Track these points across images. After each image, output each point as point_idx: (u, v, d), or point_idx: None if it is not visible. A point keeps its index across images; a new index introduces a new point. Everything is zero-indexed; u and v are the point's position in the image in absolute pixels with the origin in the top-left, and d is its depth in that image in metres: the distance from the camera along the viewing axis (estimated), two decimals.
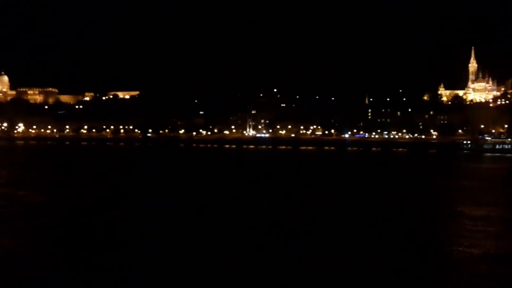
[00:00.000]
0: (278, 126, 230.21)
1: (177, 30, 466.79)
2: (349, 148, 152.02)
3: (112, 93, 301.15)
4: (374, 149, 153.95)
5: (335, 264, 17.85)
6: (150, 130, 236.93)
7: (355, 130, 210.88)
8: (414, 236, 23.99)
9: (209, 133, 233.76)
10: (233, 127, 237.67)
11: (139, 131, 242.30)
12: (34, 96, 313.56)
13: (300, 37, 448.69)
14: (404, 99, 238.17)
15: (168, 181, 49.08)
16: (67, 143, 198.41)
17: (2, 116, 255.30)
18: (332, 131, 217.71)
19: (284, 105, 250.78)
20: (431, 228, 26.47)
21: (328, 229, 23.82)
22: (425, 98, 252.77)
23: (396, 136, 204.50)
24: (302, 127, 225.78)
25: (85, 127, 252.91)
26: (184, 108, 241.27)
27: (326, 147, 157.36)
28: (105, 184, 45.60)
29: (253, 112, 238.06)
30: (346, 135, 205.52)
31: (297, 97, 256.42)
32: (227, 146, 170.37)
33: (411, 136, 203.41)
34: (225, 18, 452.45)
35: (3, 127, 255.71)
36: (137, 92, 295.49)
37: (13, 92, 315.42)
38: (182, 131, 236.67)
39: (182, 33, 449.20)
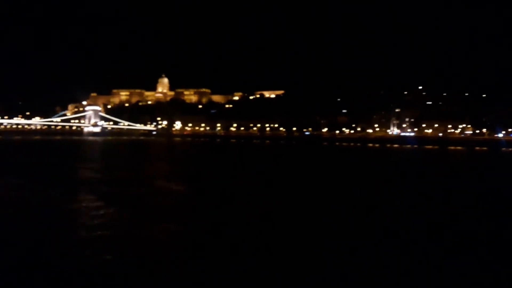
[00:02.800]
0: (423, 125, 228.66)
1: (318, 29, 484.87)
2: (504, 149, 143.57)
3: (259, 92, 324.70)
4: None
5: None
6: (294, 129, 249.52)
7: (510, 130, 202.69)
8: None
9: (352, 131, 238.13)
10: (376, 125, 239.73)
11: (284, 129, 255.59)
12: (190, 96, 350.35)
13: (448, 30, 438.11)
14: None
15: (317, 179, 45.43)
16: (218, 140, 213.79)
17: (163, 114, 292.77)
18: (484, 130, 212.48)
19: (430, 102, 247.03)
20: None
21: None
22: None
23: None
24: (449, 126, 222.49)
25: (234, 125, 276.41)
26: (327, 106, 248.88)
27: (477, 148, 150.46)
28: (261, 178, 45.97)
29: (397, 110, 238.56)
30: (500, 135, 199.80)
31: (444, 94, 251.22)
32: (370, 145, 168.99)
33: None
34: (364, 16, 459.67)
35: (163, 125, 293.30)
36: (282, 91, 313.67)
37: (172, 93, 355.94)
38: (325, 130, 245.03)
39: (324, 31, 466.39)
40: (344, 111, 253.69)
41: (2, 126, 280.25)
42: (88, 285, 13.16)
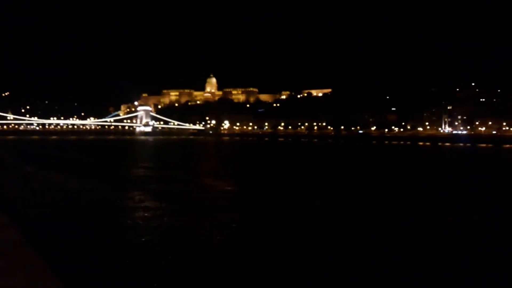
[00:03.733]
0: (477, 122, 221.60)
1: (366, 26, 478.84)
2: None
3: (306, 91, 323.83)
4: None
5: None
6: (342, 127, 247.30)
7: None
8: None
9: (401, 129, 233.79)
10: (427, 123, 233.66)
11: (331, 128, 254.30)
12: (238, 95, 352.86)
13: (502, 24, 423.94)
14: None
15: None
16: (266, 139, 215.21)
17: (211, 114, 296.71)
18: None
19: (483, 99, 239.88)
20: None
21: None
22: None
23: None
24: (504, 123, 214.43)
25: (282, 124, 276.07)
26: (376, 104, 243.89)
27: None
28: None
29: (449, 107, 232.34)
30: None
31: (498, 91, 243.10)
32: (420, 143, 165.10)
33: None
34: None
35: (212, 124, 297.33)
36: (329, 90, 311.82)
37: (220, 93, 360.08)
38: (373, 128, 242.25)
39: (371, 28, 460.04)
40: (393, 109, 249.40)
41: (58, 127, 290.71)
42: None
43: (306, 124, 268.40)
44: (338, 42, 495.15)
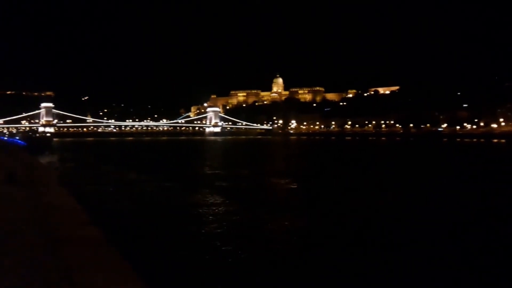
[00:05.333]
0: None
1: (434, 21, 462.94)
2: None
3: (373, 89, 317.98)
4: None
5: None
6: (411, 125, 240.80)
7: None
8: None
9: (474, 126, 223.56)
10: (501, 120, 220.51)
11: (400, 126, 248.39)
12: (304, 95, 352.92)
13: None
14: None
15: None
16: (333, 138, 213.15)
17: (278, 114, 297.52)
18: None
19: None
20: None
21: None
22: None
23: None
24: None
25: (349, 122, 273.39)
26: (446, 101, 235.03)
27: None
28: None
29: None
30: None
31: None
32: (495, 140, 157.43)
33: None
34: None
35: (279, 124, 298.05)
36: (397, 87, 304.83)
37: (287, 92, 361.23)
38: (444, 125, 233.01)
39: (440, 23, 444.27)
40: (464, 105, 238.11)
41: (133, 129, 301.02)
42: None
43: (374, 122, 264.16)
44: (405, 39, 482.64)
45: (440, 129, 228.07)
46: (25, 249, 6.34)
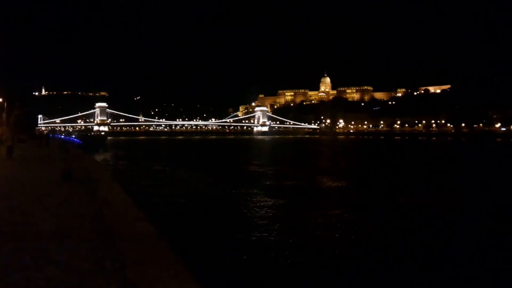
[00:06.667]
0: None
1: (485, 17, 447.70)
2: None
3: (423, 88, 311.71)
4: None
5: None
6: (462, 124, 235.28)
7: None
8: None
9: None
10: None
11: (451, 125, 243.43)
12: (352, 94, 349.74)
13: None
14: None
15: None
16: (382, 137, 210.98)
17: (326, 113, 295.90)
18: None
19: None
20: None
21: None
22: None
23: None
24: None
25: (398, 122, 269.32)
26: (501, 99, 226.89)
27: None
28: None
29: None
30: None
31: None
32: None
33: None
34: None
35: (326, 123, 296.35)
36: (448, 86, 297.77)
37: (334, 92, 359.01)
38: (498, 125, 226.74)
39: (491, 19, 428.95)
40: None
41: (183, 128, 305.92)
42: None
43: (424, 122, 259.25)
44: (457, 36, 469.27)
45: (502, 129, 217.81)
46: (81, 244, 6.49)
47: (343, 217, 22.04)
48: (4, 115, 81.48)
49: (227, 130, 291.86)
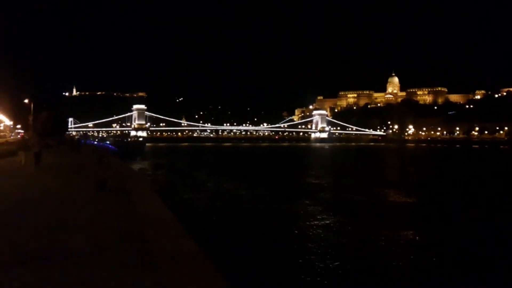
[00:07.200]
0: None
1: None
2: None
3: (506, 89, 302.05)
4: None
5: None
6: None
7: None
8: None
9: None
10: None
11: None
12: (423, 96, 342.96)
13: None
14: None
15: None
16: (457, 146, 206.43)
17: (393, 118, 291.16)
18: None
19: None
20: None
21: None
22: None
23: None
24: None
25: (476, 128, 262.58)
26: None
27: None
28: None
29: None
30: None
31: None
32: None
33: None
34: None
35: (394, 129, 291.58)
36: None
37: (403, 93, 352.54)
38: None
39: None
40: None
41: (231, 133, 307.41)
42: None
43: (506, 128, 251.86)
44: None
45: None
46: (118, 265, 6.56)
47: (412, 241, 21.60)
48: (30, 118, 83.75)
49: (277, 137, 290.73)
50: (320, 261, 17.22)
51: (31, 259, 6.91)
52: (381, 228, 23.54)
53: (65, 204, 12.01)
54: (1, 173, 22.18)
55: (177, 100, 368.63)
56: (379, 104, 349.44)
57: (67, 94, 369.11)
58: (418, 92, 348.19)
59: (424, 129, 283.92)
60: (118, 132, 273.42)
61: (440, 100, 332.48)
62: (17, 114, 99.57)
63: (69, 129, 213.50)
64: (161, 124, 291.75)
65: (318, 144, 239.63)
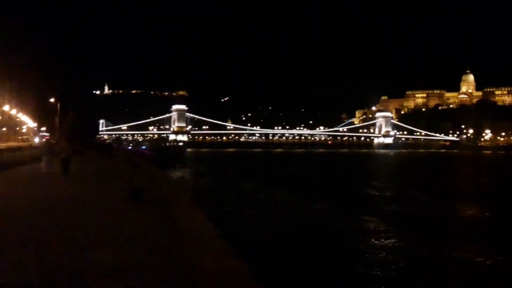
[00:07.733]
0: None
1: None
2: None
3: None
4: None
5: None
6: None
7: None
8: None
9: None
10: None
11: None
12: (503, 97, 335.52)
13: None
14: None
15: None
16: None
17: (468, 121, 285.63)
18: None
19: None
20: None
21: None
22: None
23: None
24: None
25: None
26: None
27: None
28: None
29: None
30: None
31: None
32: None
33: None
34: None
35: (469, 134, 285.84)
36: None
37: (479, 93, 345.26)
38: None
39: None
40: None
41: (283, 138, 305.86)
42: None
43: None
44: None
45: None
46: (156, 286, 6.62)
47: (489, 265, 21.02)
48: (57, 120, 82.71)
49: (329, 143, 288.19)
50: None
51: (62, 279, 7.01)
52: (454, 251, 23.08)
53: (96, 215, 12.20)
54: (22, 181, 22.49)
55: (222, 100, 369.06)
56: (451, 105, 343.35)
57: (98, 92, 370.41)
58: (497, 92, 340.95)
59: (503, 134, 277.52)
60: (156, 135, 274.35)
61: None
62: (41, 115, 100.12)
63: (100, 132, 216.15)
64: (203, 127, 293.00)
65: (381, 151, 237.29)
